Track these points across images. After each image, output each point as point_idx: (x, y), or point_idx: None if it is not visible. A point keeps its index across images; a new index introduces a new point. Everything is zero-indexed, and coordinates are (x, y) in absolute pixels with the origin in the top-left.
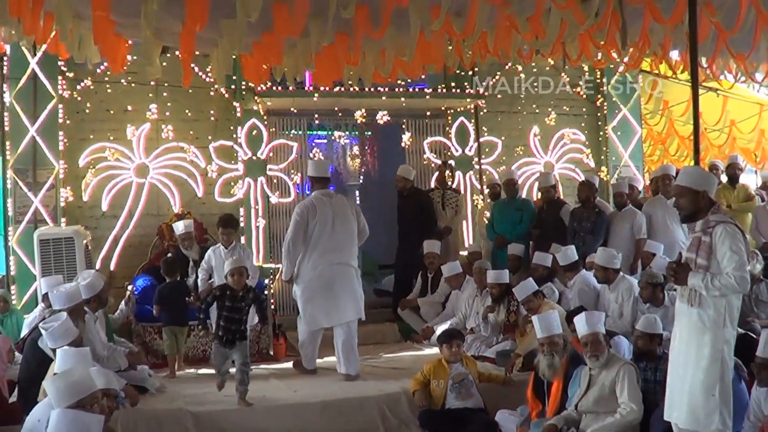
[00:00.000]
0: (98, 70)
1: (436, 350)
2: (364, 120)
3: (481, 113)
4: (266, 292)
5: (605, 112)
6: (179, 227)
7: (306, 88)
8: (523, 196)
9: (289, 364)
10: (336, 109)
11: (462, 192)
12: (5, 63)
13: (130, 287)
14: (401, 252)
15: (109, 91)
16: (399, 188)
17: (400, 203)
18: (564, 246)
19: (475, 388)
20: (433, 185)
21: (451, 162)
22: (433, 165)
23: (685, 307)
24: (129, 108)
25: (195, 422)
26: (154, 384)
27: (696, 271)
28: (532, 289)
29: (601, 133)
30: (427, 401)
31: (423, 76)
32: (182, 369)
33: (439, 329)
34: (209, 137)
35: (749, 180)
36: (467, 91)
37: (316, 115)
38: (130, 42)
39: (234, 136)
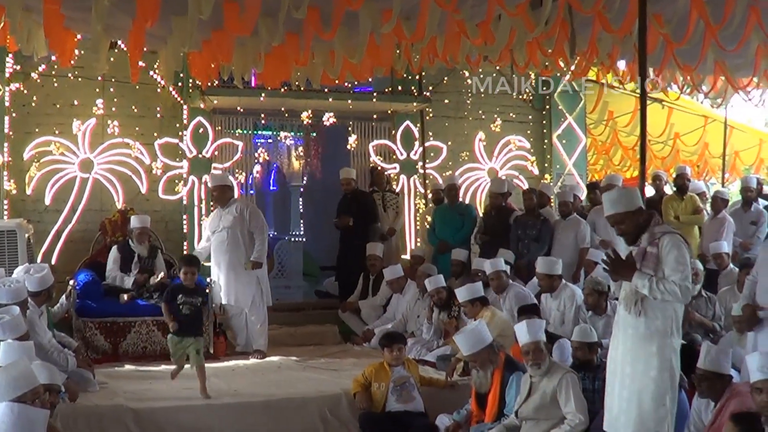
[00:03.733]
0: (45, 64)
1: (376, 353)
2: (310, 121)
3: (427, 118)
4: (208, 291)
5: (551, 120)
6: (136, 221)
7: (253, 87)
8: (467, 201)
9: (230, 363)
10: (282, 109)
11: (404, 195)
12: None
13: (71, 282)
14: (342, 254)
15: (56, 85)
16: (346, 190)
17: (342, 205)
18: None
19: (417, 392)
20: (368, 188)
21: (391, 167)
22: (379, 168)
23: (631, 318)
24: (75, 102)
25: (135, 419)
26: (95, 385)
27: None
28: (477, 293)
29: (546, 140)
30: (367, 403)
31: (370, 79)
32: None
33: (380, 332)
34: (155, 134)
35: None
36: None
37: (263, 115)
38: (79, 36)
39: (180, 133)
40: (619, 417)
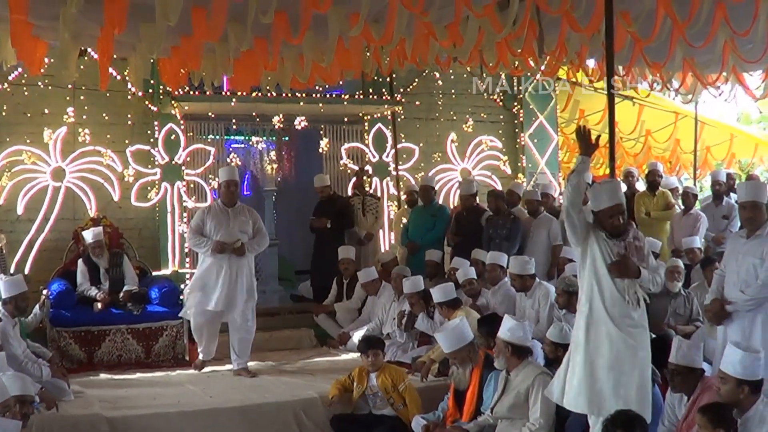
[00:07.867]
0: (15, 73)
1: (352, 356)
2: (281, 125)
3: (399, 119)
4: (182, 297)
5: (522, 119)
6: (89, 236)
7: (224, 93)
8: (441, 202)
9: (206, 369)
10: (254, 114)
11: (380, 198)
12: None
13: (45, 291)
14: (317, 257)
15: (26, 93)
16: (322, 196)
17: (319, 209)
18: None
19: (386, 402)
20: (350, 192)
21: (368, 168)
22: (350, 171)
23: (629, 309)
24: (46, 111)
25: (110, 427)
26: (70, 394)
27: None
28: (450, 294)
29: (518, 140)
30: (335, 402)
31: (341, 82)
32: None
33: (356, 335)
34: (126, 141)
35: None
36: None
37: (234, 120)
38: (51, 43)
39: (151, 140)
40: (603, 404)
